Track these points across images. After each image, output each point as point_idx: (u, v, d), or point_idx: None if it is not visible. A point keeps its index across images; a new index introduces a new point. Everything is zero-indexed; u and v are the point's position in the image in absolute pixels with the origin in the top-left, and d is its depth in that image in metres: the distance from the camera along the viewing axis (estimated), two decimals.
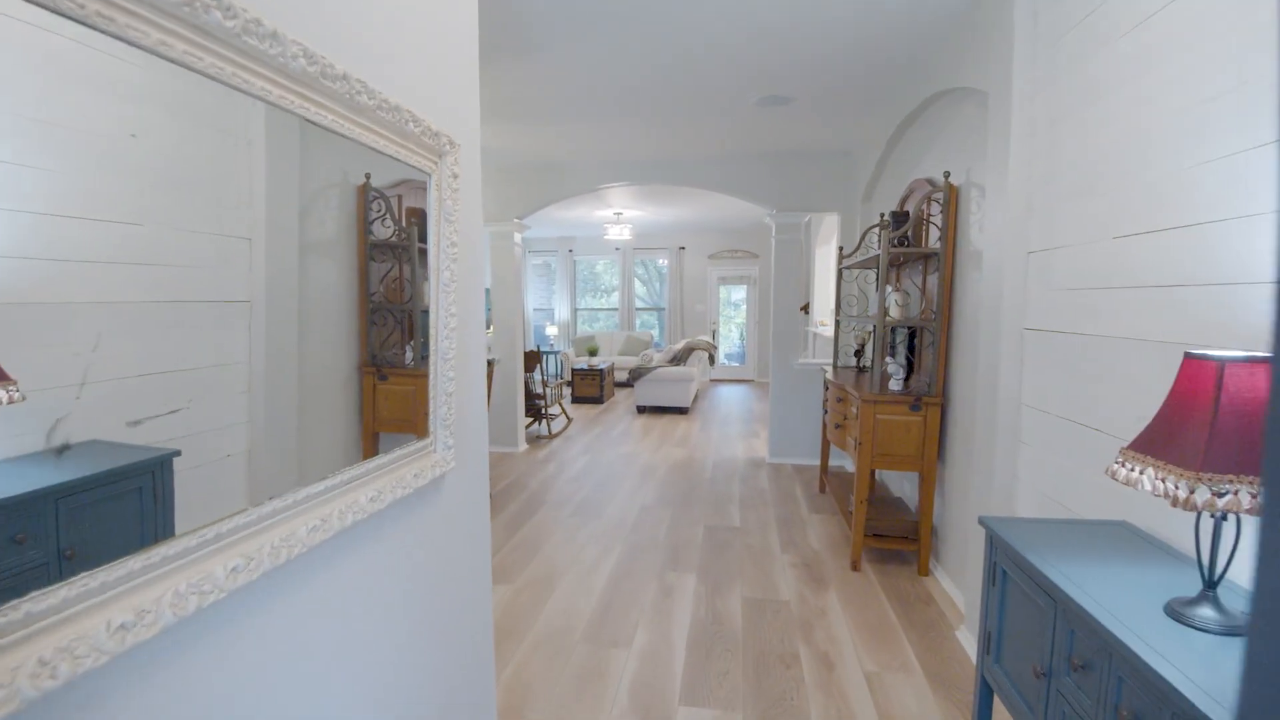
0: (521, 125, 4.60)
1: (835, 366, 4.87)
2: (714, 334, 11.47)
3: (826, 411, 4.47)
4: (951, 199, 3.26)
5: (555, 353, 11.07)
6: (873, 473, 3.83)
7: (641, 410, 8.36)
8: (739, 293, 11.66)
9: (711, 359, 8.98)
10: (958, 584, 3.19)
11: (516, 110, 4.26)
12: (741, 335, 11.70)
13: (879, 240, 4.59)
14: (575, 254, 11.66)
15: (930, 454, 3.35)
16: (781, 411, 5.74)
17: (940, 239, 3.31)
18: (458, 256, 1.54)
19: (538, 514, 4.44)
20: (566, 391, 9.76)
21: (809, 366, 5.67)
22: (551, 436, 6.82)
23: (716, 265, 11.30)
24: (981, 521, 1.81)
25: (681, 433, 7.12)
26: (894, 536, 3.56)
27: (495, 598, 3.18)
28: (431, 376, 1.48)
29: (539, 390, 6.72)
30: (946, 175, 3.26)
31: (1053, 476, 2.24)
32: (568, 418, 7.44)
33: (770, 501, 4.70)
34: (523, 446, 6.30)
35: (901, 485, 4.19)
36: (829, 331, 7.36)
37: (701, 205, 8.33)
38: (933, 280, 3.51)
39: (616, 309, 11.77)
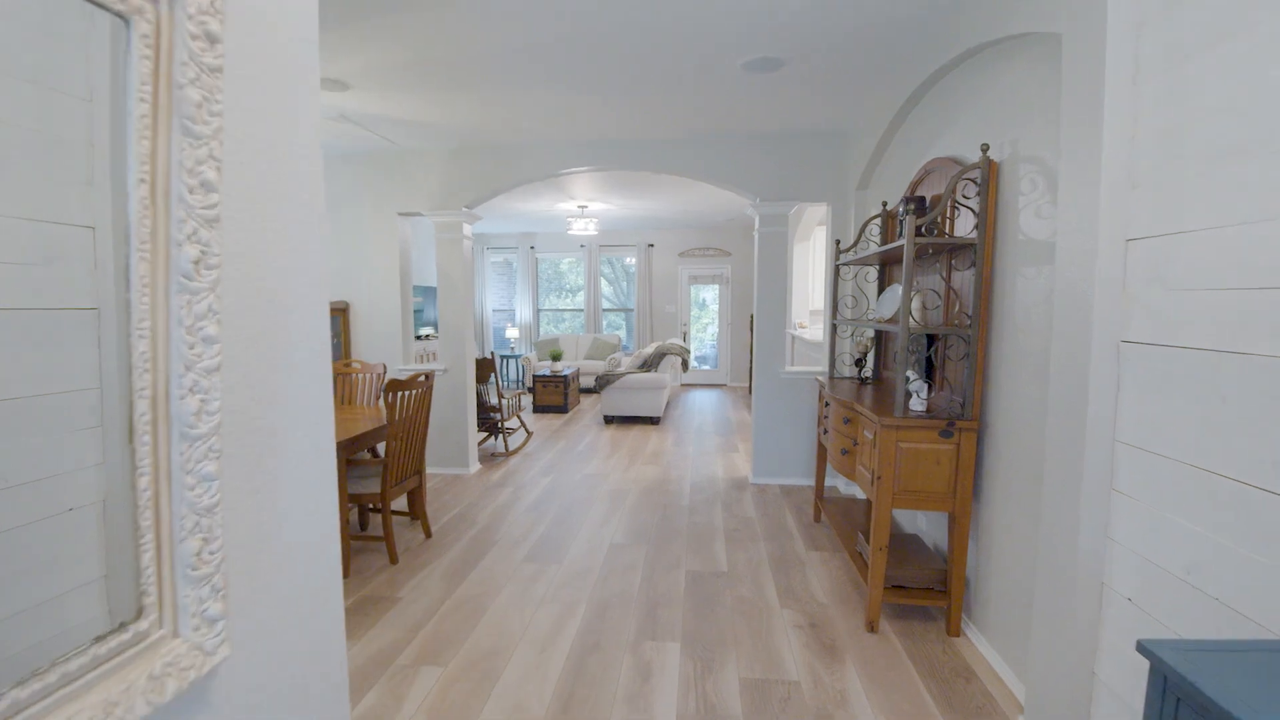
0: (462, 96, 3.87)
1: (831, 378, 4.25)
2: (685, 336, 10.83)
3: (826, 431, 3.85)
4: (991, 179, 2.65)
5: (516, 357, 10.31)
6: None
7: (609, 421, 7.66)
8: (710, 293, 11.05)
9: (685, 364, 8.34)
10: (1000, 650, 2.58)
11: (453, 76, 3.53)
12: (714, 337, 11.09)
13: (881, 232, 3.99)
14: (538, 251, 10.89)
15: (965, 490, 2.74)
16: (766, 425, 5.11)
17: (977, 227, 2.70)
18: (214, 201, 0.83)
19: (485, 558, 3.71)
20: (528, 401, 9.00)
21: (796, 376, 5.05)
22: (509, 454, 6.08)
23: (687, 264, 10.66)
24: (1143, 650, 1.17)
25: (654, 446, 6.45)
26: (918, 589, 2.94)
27: (418, 692, 2.45)
28: (144, 480, 0.77)
29: (494, 402, 5.97)
30: (984, 150, 2.65)
31: (1177, 545, 1.62)
32: (527, 431, 6.70)
33: (760, 534, 4.05)
34: (475, 467, 5.54)
35: (915, 520, 3.59)
36: (809, 334, 6.78)
37: (672, 198, 7.68)
38: (963, 278, 2.90)
39: (582, 310, 11.04)
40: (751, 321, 9.26)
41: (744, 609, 3.09)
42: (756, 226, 5.04)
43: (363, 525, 4.19)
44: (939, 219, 2.98)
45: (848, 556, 3.40)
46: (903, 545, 3.19)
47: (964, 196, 2.83)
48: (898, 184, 3.99)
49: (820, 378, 4.25)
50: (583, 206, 7.95)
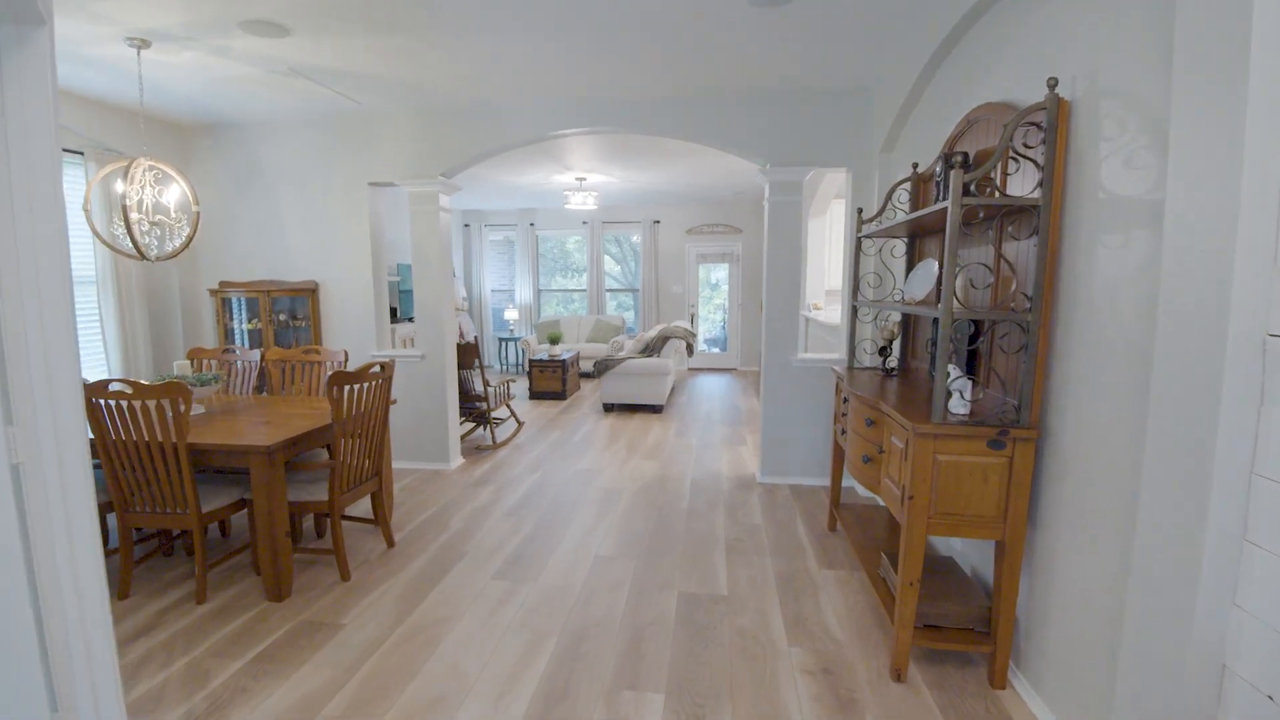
0: (421, 44, 3.32)
1: (851, 368, 3.70)
2: (693, 318, 10.27)
3: (844, 432, 3.32)
4: (1060, 122, 2.08)
5: (515, 339, 9.83)
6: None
7: (609, 409, 7.17)
8: (720, 272, 10.46)
9: (690, 348, 7.81)
10: (1057, 711, 2.07)
11: (406, 17, 2.98)
12: (724, 319, 10.53)
13: (910, 199, 3.42)
14: (538, 228, 10.35)
15: (1018, 514, 2.21)
16: (776, 418, 4.58)
17: (1040, 185, 2.14)
18: None
19: (451, 573, 3.25)
20: (519, 387, 8.53)
21: (810, 364, 4.50)
22: (496, 446, 5.61)
23: (695, 241, 10.07)
24: None
25: (655, 438, 5.95)
26: (956, 629, 2.43)
27: None
28: None
29: (479, 390, 5.49)
30: (1052, 86, 2.08)
31: None
32: (518, 421, 6.22)
33: (767, 546, 3.55)
34: (456, 462, 5.08)
35: (948, 539, 3.06)
36: (825, 316, 6.21)
37: (678, 170, 7.09)
38: (1020, 249, 2.35)
39: (586, 290, 10.51)
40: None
41: (744, 646, 2.60)
42: (766, 195, 4.47)
43: (319, 533, 3.74)
44: (989, 175, 2.41)
45: (867, 577, 2.89)
46: (936, 572, 2.67)
47: (1024, 146, 2.26)
48: (931, 142, 3.41)
49: (838, 368, 3.72)
50: (581, 179, 7.39)
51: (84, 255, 4.24)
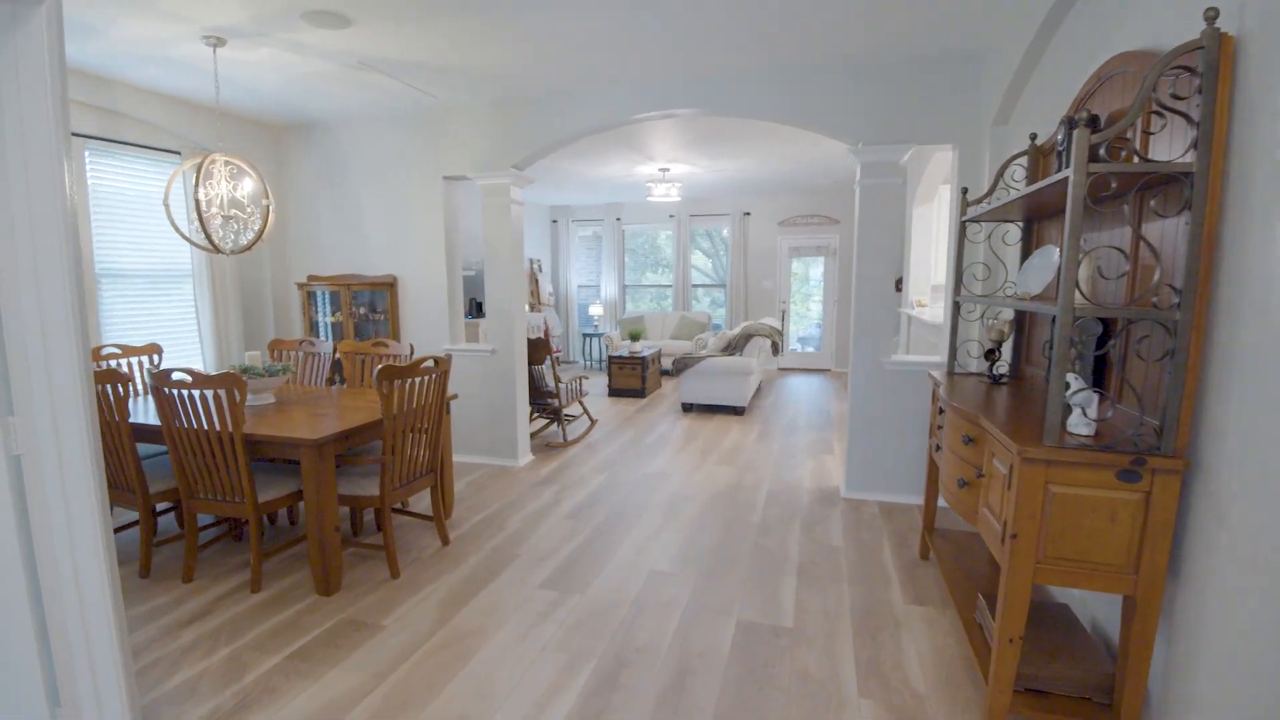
0: (487, 26, 3.18)
1: (951, 374, 3.23)
2: (784, 315, 9.77)
3: (939, 448, 2.88)
4: (1223, 65, 1.60)
5: (599, 335, 9.75)
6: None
7: (687, 409, 6.89)
8: (815, 267, 9.88)
9: (775, 347, 7.37)
10: None
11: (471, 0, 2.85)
12: (818, 317, 9.94)
13: (1028, 176, 2.90)
14: (624, 222, 10.21)
15: (1155, 563, 1.74)
16: (865, 426, 4.13)
17: (1194, 146, 1.66)
18: None
19: (499, 578, 3.11)
20: (598, 384, 8.40)
21: (908, 367, 4.02)
22: (567, 444, 5.49)
23: (788, 234, 9.56)
24: None
25: (733, 442, 5.62)
26: (1066, 698, 1.97)
27: None
28: None
29: (550, 386, 5.38)
30: (1211, 17, 1.60)
31: None
32: (590, 419, 6.07)
33: (845, 572, 3.16)
34: (525, 459, 4.99)
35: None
36: (930, 315, 5.61)
37: (767, 157, 6.68)
38: (1166, 229, 1.86)
39: (672, 286, 10.26)
40: None
41: (806, 693, 2.26)
42: (858, 178, 4.03)
43: (379, 527, 3.73)
44: (1124, 136, 1.93)
45: (960, 619, 2.46)
46: (1046, 623, 2.21)
47: (1172, 98, 1.78)
48: (1052, 110, 2.89)
49: (935, 372, 3.25)
50: (664, 170, 7.13)
51: (182, 250, 4.49)
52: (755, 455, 5.22)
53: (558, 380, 5.35)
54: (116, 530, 3.36)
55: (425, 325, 5.03)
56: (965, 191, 3.21)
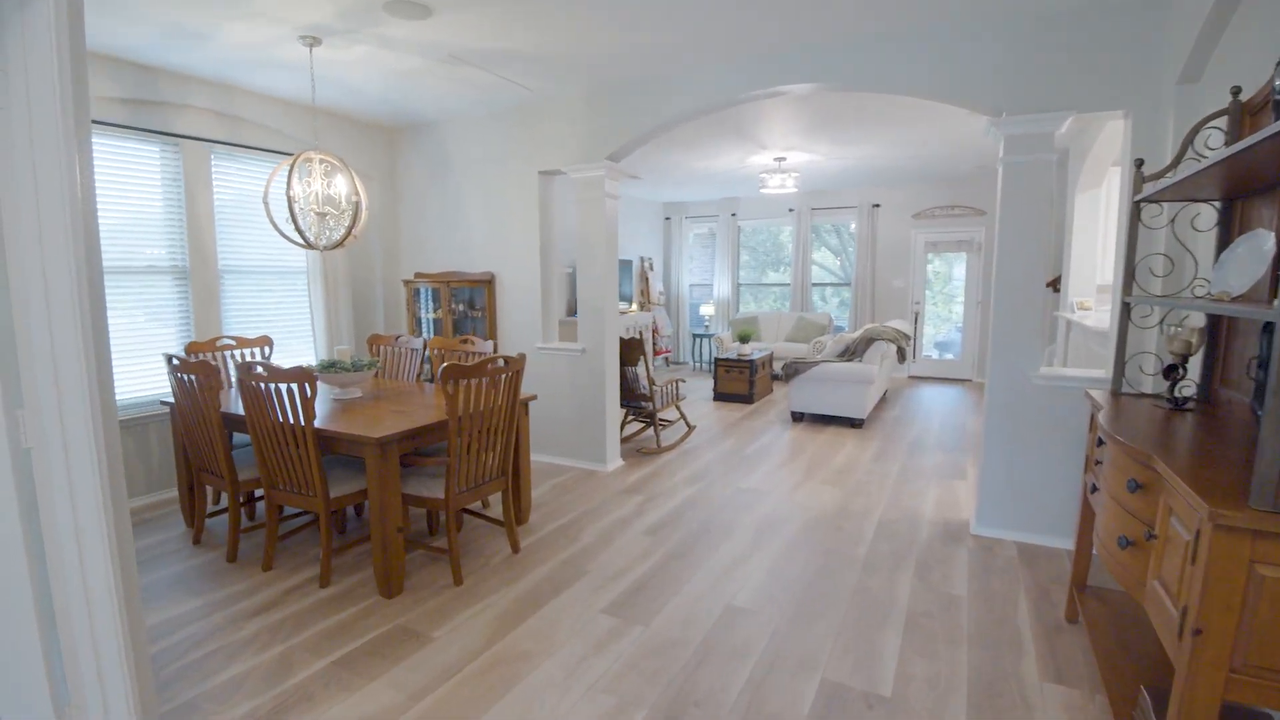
0: (577, 5, 2.97)
1: (1116, 394, 2.56)
2: (916, 318, 8.84)
3: (1095, 489, 2.26)
4: None
5: (709, 336, 9.38)
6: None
7: (797, 418, 6.35)
8: (957, 264, 8.86)
9: (902, 353, 6.62)
10: None
11: None
12: (958, 320, 8.91)
13: (1228, 141, 2.20)
14: (740, 218, 9.75)
15: None
16: (1004, 451, 3.47)
17: None
18: None
19: (561, 595, 2.88)
20: (704, 387, 8.02)
21: (1062, 382, 3.32)
22: (660, 450, 5.20)
23: (924, 227, 8.63)
24: None
25: (845, 458, 5.05)
26: None
27: None
28: None
29: (644, 389, 5.11)
30: None
31: None
32: (688, 424, 5.73)
33: (965, 632, 2.60)
34: (614, 464, 4.76)
35: None
36: (1094, 320, 4.70)
37: (898, 141, 5.98)
38: None
39: (789, 284, 9.66)
40: None
41: None
42: (1001, 154, 3.38)
43: (457, 526, 3.64)
44: None
45: (1113, 713, 1.87)
46: None
47: None
48: (1261, 59, 2.16)
49: (1095, 392, 2.59)
50: (780, 159, 6.63)
51: (296, 248, 4.72)
52: (869, 476, 4.63)
53: (652, 383, 5.07)
54: (211, 515, 3.53)
55: (521, 323, 4.95)
56: (1140, 164, 2.53)
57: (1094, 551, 2.93)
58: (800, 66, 3.68)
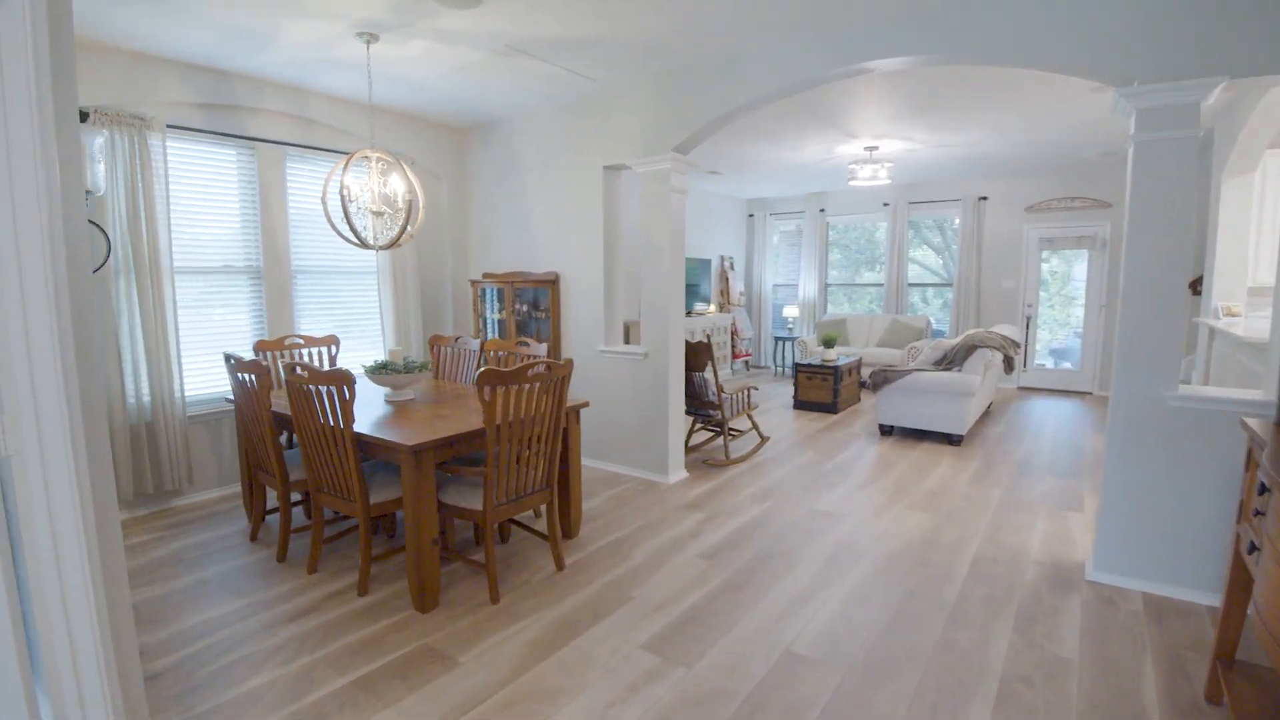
0: None
1: None
2: (1028, 322, 7.98)
3: (1257, 548, 1.77)
4: None
5: (792, 339, 8.89)
6: None
7: (886, 432, 5.81)
8: (1077, 262, 7.91)
9: (1009, 363, 5.92)
10: None
11: None
12: (1078, 325, 7.95)
13: None
14: (828, 214, 9.17)
15: None
16: (1129, 482, 2.92)
17: None
18: None
19: (600, 624, 2.64)
20: (784, 393, 7.55)
21: (1206, 405, 2.74)
22: (728, 462, 4.86)
23: (1039, 221, 7.76)
24: None
25: (939, 480, 4.52)
26: None
27: None
28: None
29: (712, 396, 4.80)
30: None
31: None
32: (760, 435, 5.35)
33: (1074, 707, 2.14)
34: (676, 475, 4.48)
35: None
36: (1245, 328, 3.94)
37: (1007, 123, 5.34)
38: None
39: (883, 284, 8.99)
40: None
41: None
42: (1131, 131, 2.83)
43: (503, 538, 3.50)
44: None
45: None
46: None
47: None
48: None
49: (1253, 420, 2.06)
50: (871, 148, 6.10)
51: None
52: (966, 502, 4.10)
53: (720, 390, 4.75)
54: (269, 512, 3.56)
55: (585, 324, 4.77)
56: None
57: (1248, 618, 2.35)
58: (890, 38, 3.26)
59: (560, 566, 3.14)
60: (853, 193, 8.88)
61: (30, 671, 1.51)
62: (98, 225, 2.35)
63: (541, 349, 3.76)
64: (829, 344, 6.91)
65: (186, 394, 3.90)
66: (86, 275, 1.51)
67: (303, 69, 3.87)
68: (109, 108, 3.41)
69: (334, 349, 4.21)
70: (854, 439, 5.66)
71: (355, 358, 4.76)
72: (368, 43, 3.39)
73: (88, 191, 1.84)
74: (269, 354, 3.86)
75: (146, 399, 3.69)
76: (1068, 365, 8.07)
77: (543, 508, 3.90)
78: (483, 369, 2.63)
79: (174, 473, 3.81)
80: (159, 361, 3.69)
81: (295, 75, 3.99)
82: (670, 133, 4.10)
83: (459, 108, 4.76)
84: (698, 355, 4.66)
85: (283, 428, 3.37)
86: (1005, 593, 2.90)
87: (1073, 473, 4.68)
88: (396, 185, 3.50)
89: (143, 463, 3.70)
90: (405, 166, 3.47)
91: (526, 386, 2.77)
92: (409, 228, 3.53)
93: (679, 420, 4.47)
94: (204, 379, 4.02)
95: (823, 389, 6.65)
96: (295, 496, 3.78)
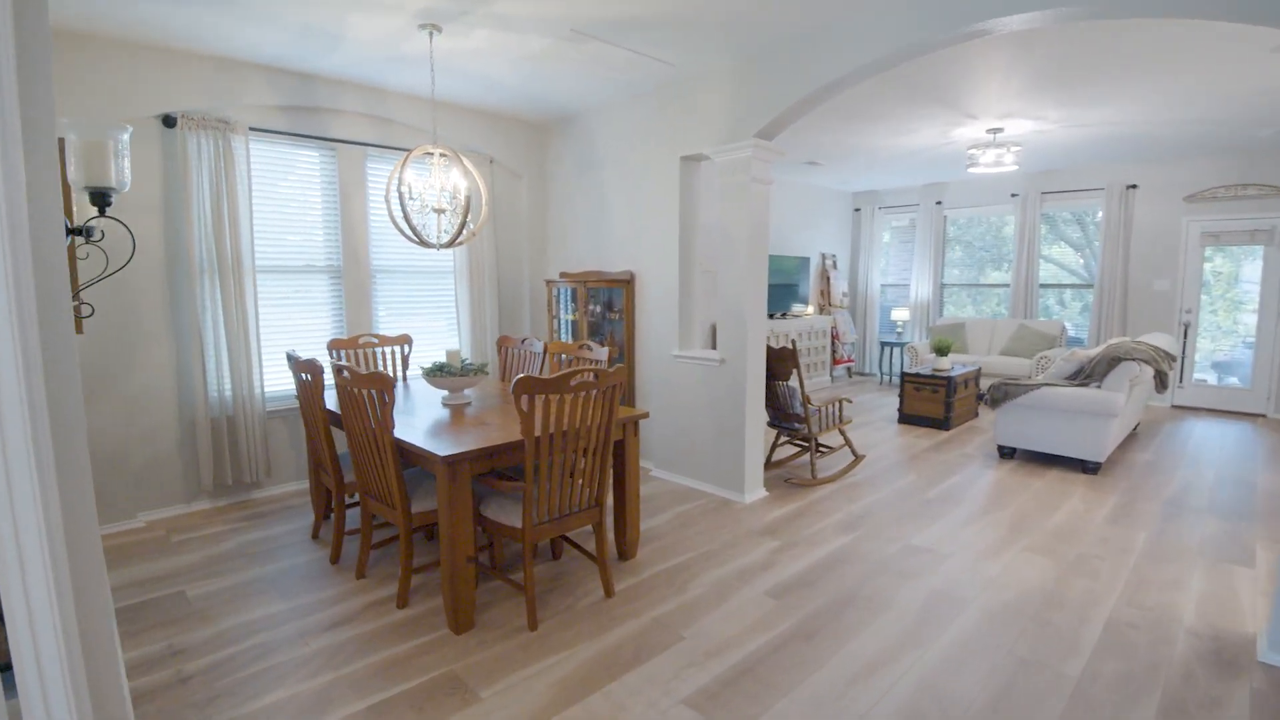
0: None
1: None
2: (1185, 331, 6.80)
3: None
4: None
5: (901, 344, 8.13)
6: None
7: (1006, 455, 5.08)
8: (1249, 261, 6.64)
9: (1162, 379, 5.00)
10: None
11: None
12: (1248, 334, 6.68)
13: None
14: (946, 206, 8.31)
15: None
16: None
17: None
18: None
19: (640, 668, 2.34)
20: (889, 405, 6.87)
21: None
22: (814, 482, 4.39)
23: (1200, 213, 6.59)
24: None
25: (1068, 517, 3.84)
26: None
27: None
28: None
29: (798, 409, 4.36)
30: None
31: None
32: (854, 453, 4.81)
33: None
34: (754, 495, 4.09)
35: None
36: None
37: (1161, 97, 4.48)
38: None
39: (1009, 285, 8.02)
40: None
41: None
42: None
43: (555, 554, 3.28)
44: None
45: None
46: None
47: None
48: None
49: None
50: (994, 130, 5.36)
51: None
52: (1101, 546, 3.43)
53: (808, 401, 4.29)
54: (330, 512, 3.55)
55: (660, 326, 4.48)
56: None
57: None
58: None
59: (609, 593, 2.87)
60: (974, 182, 7.99)
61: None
62: (121, 222, 2.34)
63: (603, 353, 3.52)
64: (942, 351, 6.20)
65: (266, 390, 4.01)
66: (60, 280, 1.41)
67: (375, 67, 3.86)
68: (195, 112, 3.54)
69: (406, 348, 4.19)
70: (967, 461, 4.99)
71: (430, 358, 4.75)
72: (430, 34, 3.29)
73: (111, 189, 1.77)
74: (341, 352, 3.88)
75: (228, 394, 3.81)
76: (1234, 381, 6.81)
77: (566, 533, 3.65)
78: (520, 376, 2.41)
79: (252, 466, 3.92)
80: (240, 358, 3.80)
81: (370, 74, 3.99)
82: (752, 117, 3.72)
83: (533, 102, 4.62)
84: (782, 362, 4.24)
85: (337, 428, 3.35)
86: (1147, 671, 2.31)
87: (1241, 515, 3.82)
88: (458, 181, 3.38)
89: (223, 455, 3.82)
90: (467, 162, 3.34)
91: (570, 396, 2.52)
92: (470, 225, 3.40)
93: (757, 433, 4.08)
94: (283, 376, 4.12)
95: (933, 402, 5.96)
96: (354, 498, 3.76)
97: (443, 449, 2.49)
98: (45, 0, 1.38)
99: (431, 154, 3.32)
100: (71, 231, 1.84)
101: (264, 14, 3.08)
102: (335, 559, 3.19)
